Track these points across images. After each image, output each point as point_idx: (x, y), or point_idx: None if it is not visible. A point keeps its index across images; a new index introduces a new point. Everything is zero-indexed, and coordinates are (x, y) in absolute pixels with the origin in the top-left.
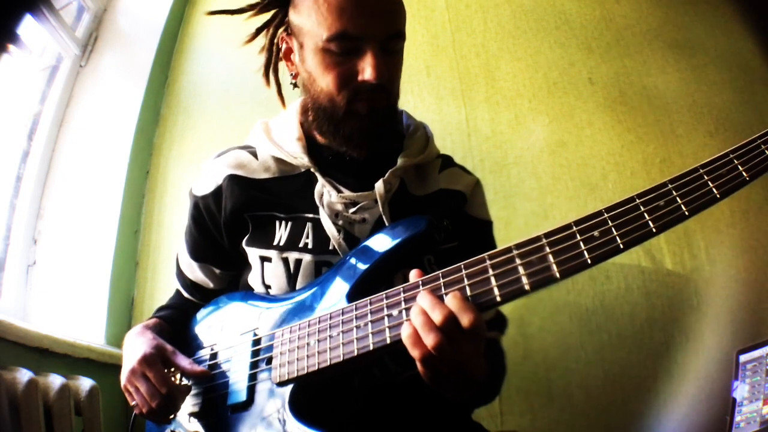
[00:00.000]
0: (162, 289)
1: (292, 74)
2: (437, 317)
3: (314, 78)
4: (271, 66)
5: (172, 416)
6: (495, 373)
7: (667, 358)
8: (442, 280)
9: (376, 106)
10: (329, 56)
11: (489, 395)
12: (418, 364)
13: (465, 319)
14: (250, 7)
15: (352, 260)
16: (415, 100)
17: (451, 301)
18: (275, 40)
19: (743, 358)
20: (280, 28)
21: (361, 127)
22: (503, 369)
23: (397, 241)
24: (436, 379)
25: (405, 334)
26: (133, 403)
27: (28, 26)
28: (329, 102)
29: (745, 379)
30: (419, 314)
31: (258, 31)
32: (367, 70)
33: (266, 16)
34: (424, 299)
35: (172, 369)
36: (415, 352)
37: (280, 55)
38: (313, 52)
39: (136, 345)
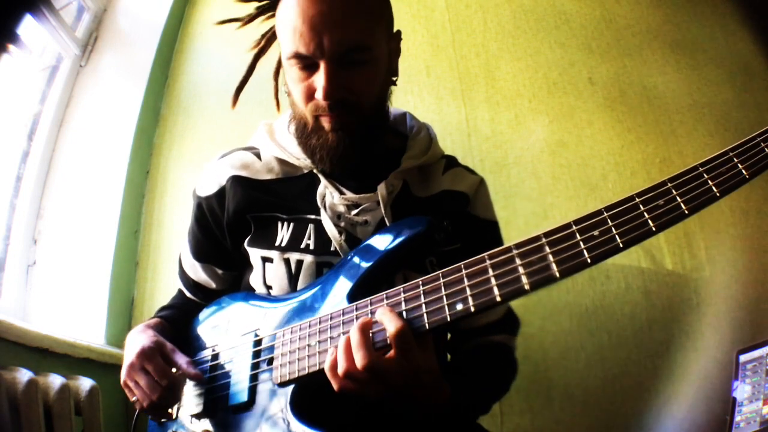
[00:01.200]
0: (162, 289)
1: (285, 83)
2: (342, 365)
3: (290, 90)
4: (277, 69)
5: (173, 413)
6: (491, 383)
7: (667, 358)
8: (441, 280)
9: (342, 122)
10: (294, 72)
11: (483, 405)
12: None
13: (358, 361)
14: (248, 18)
15: (353, 261)
16: (415, 100)
17: (378, 312)
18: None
19: (743, 358)
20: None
21: (324, 142)
22: (507, 377)
23: (397, 241)
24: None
25: (326, 366)
26: (133, 398)
27: (28, 26)
28: (301, 114)
29: (745, 379)
30: (332, 353)
31: (259, 42)
32: (318, 89)
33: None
34: (340, 343)
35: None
36: (333, 384)
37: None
38: (285, 66)
39: (136, 342)
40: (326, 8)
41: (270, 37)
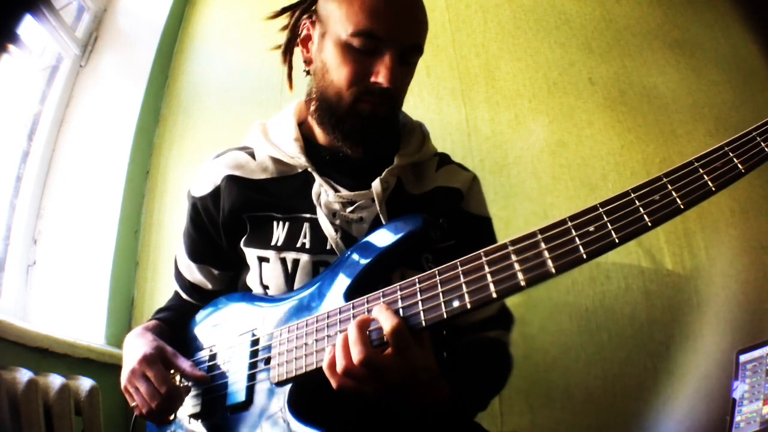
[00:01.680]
0: (162, 289)
1: (305, 61)
2: (340, 363)
3: (328, 69)
4: (292, 46)
5: (172, 417)
6: (488, 379)
7: (667, 358)
8: (438, 278)
9: (379, 111)
10: (348, 51)
11: (481, 402)
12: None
13: (354, 356)
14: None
15: (350, 259)
16: (415, 100)
17: (375, 310)
18: (298, 23)
19: (743, 358)
20: (306, 12)
21: (361, 128)
22: (503, 372)
23: (393, 239)
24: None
25: (324, 364)
26: (133, 404)
27: (28, 26)
28: (336, 95)
29: (745, 379)
30: (329, 352)
31: (284, 10)
32: (382, 73)
33: None
34: (338, 341)
35: (171, 371)
36: (332, 382)
37: (298, 39)
38: (334, 43)
39: (137, 346)
40: (411, 3)
41: (300, 14)
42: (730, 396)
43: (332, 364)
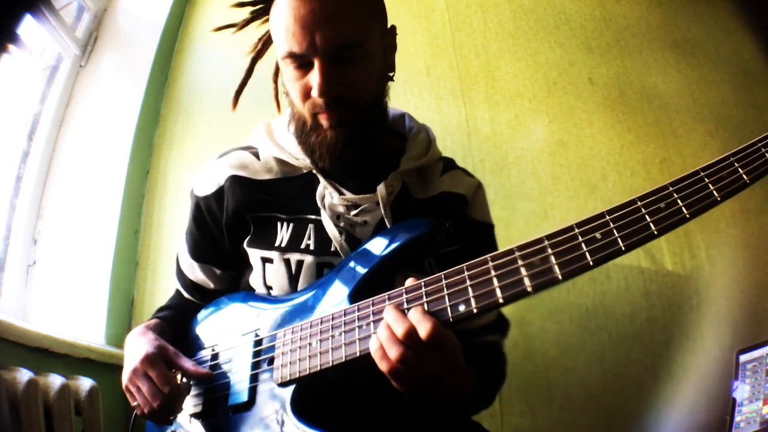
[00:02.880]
0: (162, 289)
1: (283, 83)
2: (399, 330)
3: (287, 90)
4: (277, 73)
5: (173, 417)
6: (489, 380)
7: (667, 358)
8: (444, 281)
9: (339, 118)
10: (290, 71)
11: (481, 403)
12: (390, 379)
13: (422, 331)
14: (243, 23)
15: (354, 262)
16: (415, 100)
17: (412, 314)
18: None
19: (743, 358)
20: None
21: (323, 139)
22: (501, 375)
23: (398, 243)
24: (411, 393)
25: (373, 348)
26: (134, 403)
27: (28, 26)
28: (299, 113)
29: (745, 379)
30: (384, 329)
31: (259, 41)
32: (314, 86)
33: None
34: (388, 313)
35: (173, 370)
36: (383, 366)
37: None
38: (281, 66)
39: (138, 345)
40: (317, 6)
41: (266, 41)
42: (730, 396)
43: (382, 347)
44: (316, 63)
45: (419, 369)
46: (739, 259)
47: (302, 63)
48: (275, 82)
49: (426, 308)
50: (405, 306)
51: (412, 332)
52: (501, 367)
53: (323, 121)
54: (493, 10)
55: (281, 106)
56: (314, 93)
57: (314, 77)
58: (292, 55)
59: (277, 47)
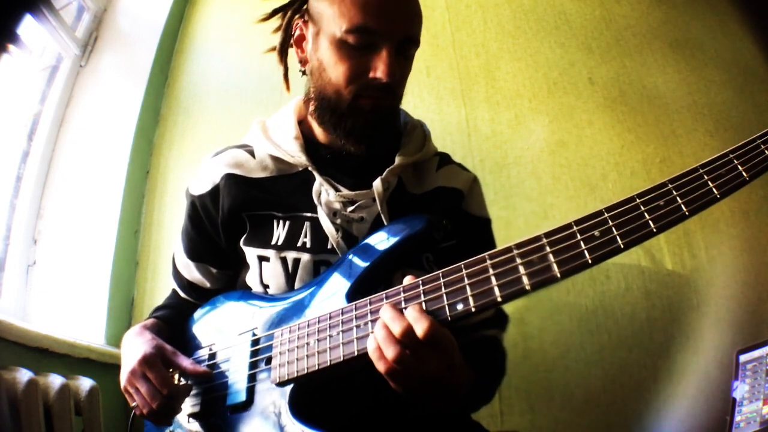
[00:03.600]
0: (162, 289)
1: (300, 61)
2: (396, 329)
3: (325, 67)
4: (286, 47)
5: (171, 417)
6: (488, 376)
7: (667, 358)
8: (442, 280)
9: (380, 105)
10: (344, 48)
11: (480, 400)
12: (387, 379)
13: (419, 329)
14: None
15: (351, 259)
16: (415, 100)
17: (409, 312)
18: (291, 24)
19: (743, 358)
20: (297, 13)
21: (363, 124)
22: (501, 370)
23: (395, 240)
24: (409, 393)
25: (370, 348)
26: (133, 404)
27: (28, 26)
28: (335, 93)
29: (745, 379)
30: (381, 328)
31: (275, 12)
32: (380, 68)
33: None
34: (385, 312)
35: (171, 369)
36: (380, 366)
37: (291, 40)
38: (329, 42)
39: (136, 346)
40: None
41: (292, 14)
42: (730, 396)
43: (378, 348)
44: (385, 48)
45: (417, 369)
46: (739, 259)
47: (366, 42)
48: (284, 61)
49: (424, 307)
50: (403, 305)
51: (409, 331)
52: (500, 362)
53: (366, 104)
54: (493, 10)
55: (290, 86)
56: (380, 74)
57: (382, 59)
58: (363, 30)
59: (336, 20)
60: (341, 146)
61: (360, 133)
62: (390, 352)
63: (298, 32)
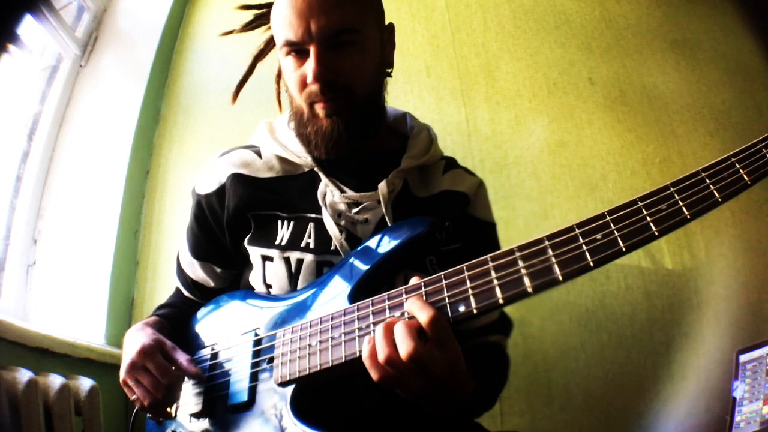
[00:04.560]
0: (162, 289)
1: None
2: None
3: (286, 84)
4: (280, 74)
5: (171, 412)
6: (491, 382)
7: (667, 358)
8: (444, 282)
9: (334, 106)
10: (288, 62)
11: (483, 406)
12: (384, 384)
13: (423, 317)
14: (243, 27)
15: (354, 261)
16: (415, 100)
17: (409, 301)
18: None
19: (743, 358)
20: None
21: (318, 129)
22: (503, 377)
23: (398, 241)
24: (412, 395)
25: (364, 354)
26: (133, 397)
27: (28, 26)
28: (298, 105)
29: (745, 379)
30: (382, 337)
31: (264, 42)
32: (308, 74)
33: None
34: (378, 332)
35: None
36: (373, 373)
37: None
38: (281, 60)
39: (136, 340)
40: None
41: (270, 41)
42: (730, 396)
43: (373, 354)
44: (312, 50)
45: (402, 384)
46: (739, 259)
47: (299, 52)
48: (278, 83)
49: (403, 331)
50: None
51: (392, 354)
52: (503, 369)
53: (319, 110)
54: (493, 10)
55: (282, 106)
56: (309, 79)
57: (309, 63)
58: (288, 44)
59: (277, 40)
60: (311, 155)
61: (317, 138)
62: (374, 372)
63: None
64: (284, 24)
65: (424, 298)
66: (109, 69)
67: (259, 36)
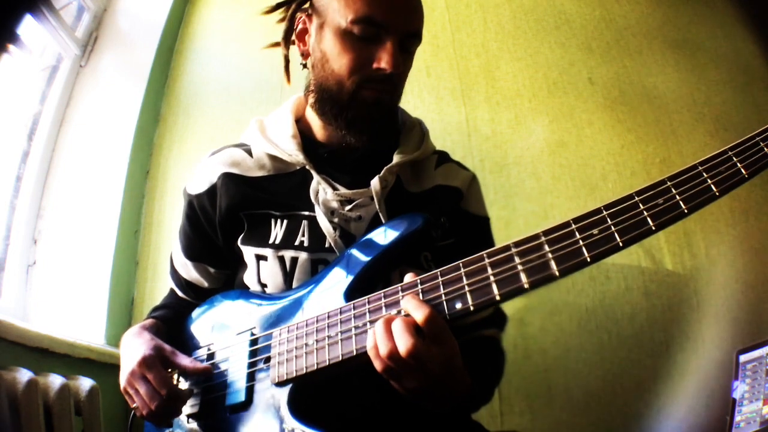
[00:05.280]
0: (162, 288)
1: (302, 54)
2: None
3: (328, 59)
4: (289, 39)
5: (172, 418)
6: (487, 376)
7: (667, 358)
8: (440, 279)
9: (382, 98)
10: (349, 39)
11: (479, 401)
12: (387, 378)
13: (419, 315)
14: (277, 6)
15: (349, 258)
16: (415, 100)
17: (405, 299)
18: (294, 17)
19: (743, 358)
20: (301, 6)
21: (365, 115)
22: (499, 370)
23: (393, 238)
24: (409, 392)
25: (368, 346)
26: (133, 405)
27: (28, 26)
28: (337, 85)
29: (745, 379)
30: (383, 331)
31: (278, 6)
32: (384, 59)
33: None
34: (379, 327)
35: (170, 370)
36: (377, 364)
37: (294, 34)
38: (333, 33)
39: (134, 346)
40: None
41: (296, 8)
42: (730, 396)
43: (376, 347)
44: (390, 40)
45: (402, 380)
46: (739, 259)
47: (371, 34)
48: (286, 48)
49: (401, 327)
50: (402, 306)
51: (393, 350)
52: (499, 363)
53: (368, 96)
54: (493, 10)
55: (290, 78)
56: (384, 65)
57: (387, 50)
58: (368, 21)
59: (342, 10)
60: (341, 139)
61: (361, 124)
62: (378, 364)
63: (300, 26)
64: (369, 1)
65: (421, 295)
66: (109, 69)
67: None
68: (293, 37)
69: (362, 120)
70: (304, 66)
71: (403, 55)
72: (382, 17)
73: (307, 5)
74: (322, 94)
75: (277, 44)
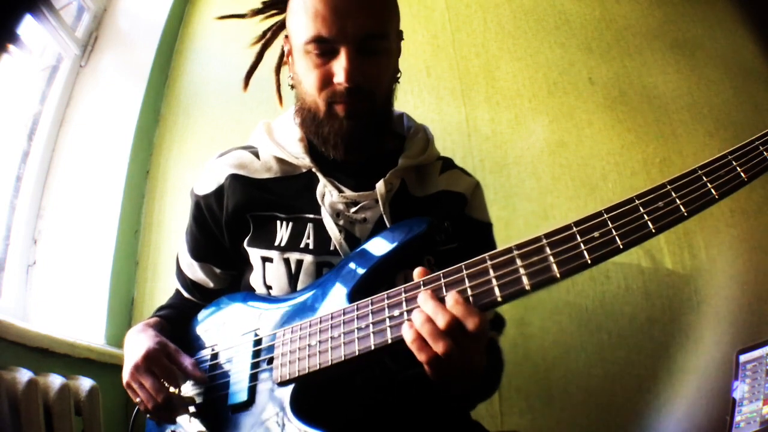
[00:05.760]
0: (162, 289)
1: (290, 76)
2: (441, 323)
3: (300, 80)
4: (281, 64)
5: (175, 413)
6: (494, 368)
7: (667, 358)
8: (443, 281)
9: (356, 109)
10: (310, 58)
11: (488, 390)
12: (426, 367)
13: (470, 323)
14: (253, 12)
15: (353, 261)
16: (415, 100)
17: (455, 307)
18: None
19: (743, 358)
20: (282, 30)
21: (338, 129)
22: (498, 372)
23: (398, 242)
24: (442, 378)
25: (409, 338)
26: (137, 399)
27: (28, 26)
28: (312, 103)
29: (745, 379)
30: (425, 322)
31: (264, 34)
32: (339, 73)
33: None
34: (427, 304)
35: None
36: (422, 356)
37: (284, 57)
38: (298, 55)
39: (139, 341)
40: None
41: (276, 30)
42: (730, 396)
43: (418, 336)
44: (343, 50)
45: (459, 358)
46: (739, 259)
47: (326, 50)
48: (277, 75)
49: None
50: (404, 307)
51: (456, 324)
52: (498, 365)
53: (340, 111)
54: (493, 10)
55: (283, 100)
56: (339, 79)
57: (340, 64)
58: (318, 40)
59: (299, 32)
60: (325, 153)
61: (335, 139)
62: (439, 346)
63: (286, 48)
64: (315, 18)
65: None
66: (109, 69)
67: (257, 30)
68: (284, 60)
69: (335, 135)
70: (292, 87)
71: (365, 58)
72: (329, 32)
73: (285, 30)
74: (303, 113)
75: (259, 40)
